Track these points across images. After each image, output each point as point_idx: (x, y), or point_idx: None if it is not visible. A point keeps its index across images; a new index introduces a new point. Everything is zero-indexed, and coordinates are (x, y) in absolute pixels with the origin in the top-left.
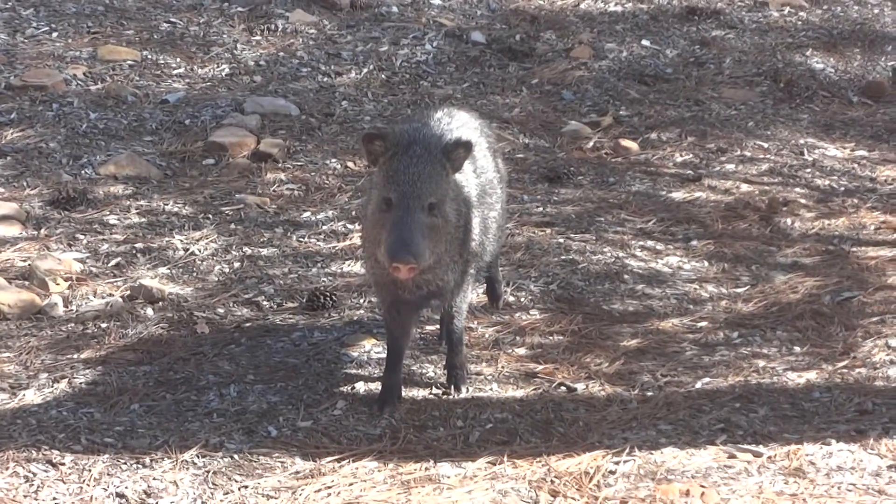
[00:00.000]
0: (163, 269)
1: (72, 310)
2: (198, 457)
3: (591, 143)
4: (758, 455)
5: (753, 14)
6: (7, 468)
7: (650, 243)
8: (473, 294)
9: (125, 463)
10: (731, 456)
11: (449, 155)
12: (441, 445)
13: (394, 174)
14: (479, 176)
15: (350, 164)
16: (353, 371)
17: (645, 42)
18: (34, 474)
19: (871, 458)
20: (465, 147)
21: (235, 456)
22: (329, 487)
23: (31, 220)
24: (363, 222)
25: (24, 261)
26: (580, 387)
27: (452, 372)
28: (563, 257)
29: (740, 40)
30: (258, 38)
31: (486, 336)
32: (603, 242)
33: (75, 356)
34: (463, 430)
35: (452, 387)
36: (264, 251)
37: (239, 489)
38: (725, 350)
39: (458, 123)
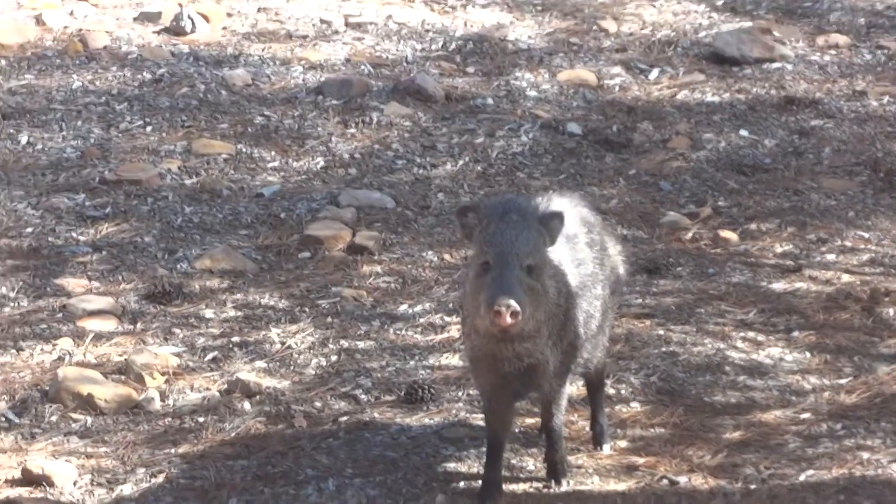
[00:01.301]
0: (259, 363)
1: (168, 404)
2: None
3: (689, 234)
4: None
5: (852, 103)
6: None
7: (751, 334)
8: (573, 387)
9: None
10: None
11: (545, 224)
12: None
13: (490, 238)
14: (579, 266)
15: (447, 256)
16: (453, 465)
17: (743, 132)
18: None
19: None
20: (559, 218)
21: None
22: None
23: (127, 314)
24: (462, 313)
25: (121, 355)
26: (682, 480)
27: (553, 466)
28: (663, 349)
29: (839, 130)
30: (353, 130)
31: (587, 429)
32: (703, 334)
33: (172, 451)
34: None
35: (553, 480)
36: (361, 344)
37: None
38: (829, 442)
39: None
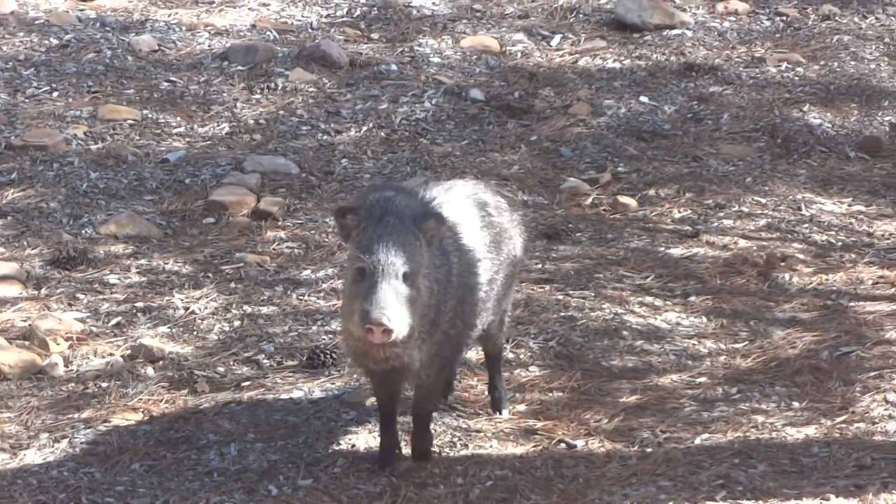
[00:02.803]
0: (163, 329)
1: (72, 370)
2: None
3: (589, 200)
4: None
5: (751, 70)
6: None
7: (649, 299)
8: (472, 351)
9: None
10: None
11: (421, 226)
12: (441, 503)
13: (366, 245)
14: (465, 254)
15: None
16: (354, 429)
17: (643, 98)
18: None
19: None
20: (436, 219)
21: None
22: None
23: (32, 279)
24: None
25: (25, 321)
26: (580, 443)
27: (417, 450)
28: (562, 314)
29: (738, 96)
30: (258, 96)
31: (486, 394)
32: (602, 299)
33: (76, 416)
34: (463, 487)
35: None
36: (264, 309)
37: None
38: (724, 406)
39: (444, 199)
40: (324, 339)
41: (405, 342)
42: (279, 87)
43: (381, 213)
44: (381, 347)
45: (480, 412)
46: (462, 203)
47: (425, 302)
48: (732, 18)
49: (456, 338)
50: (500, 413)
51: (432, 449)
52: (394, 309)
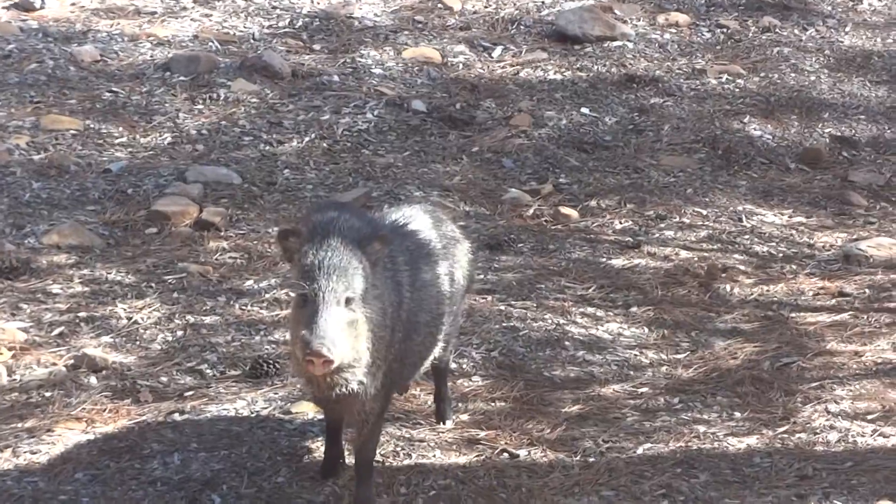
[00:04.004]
0: (106, 338)
1: (15, 379)
2: None
3: (531, 211)
4: None
5: (691, 81)
6: None
7: (590, 310)
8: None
9: None
10: None
11: (365, 249)
12: None
13: (308, 271)
14: (416, 282)
15: None
16: (297, 438)
17: (584, 110)
18: None
19: None
20: (381, 240)
21: None
22: None
23: None
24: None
25: None
26: (523, 453)
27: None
28: (504, 324)
29: (679, 108)
30: (200, 106)
31: (429, 403)
32: (544, 309)
33: (19, 425)
34: (406, 497)
35: None
36: (207, 319)
37: None
38: (666, 416)
39: (395, 221)
40: (267, 348)
41: (354, 367)
42: (221, 98)
43: (324, 236)
44: (326, 375)
45: (423, 422)
46: (421, 236)
47: (377, 323)
48: (673, 30)
49: (399, 372)
50: (445, 423)
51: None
52: (335, 338)
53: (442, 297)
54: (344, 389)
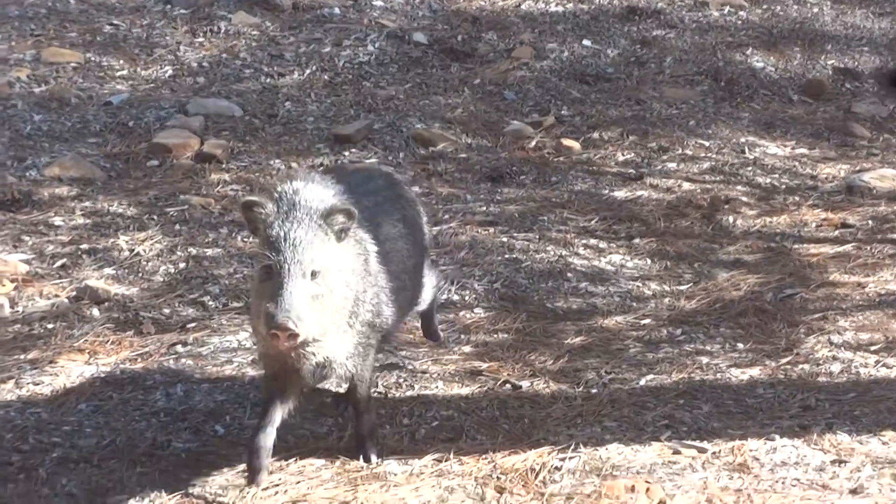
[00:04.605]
0: (108, 270)
1: (18, 311)
2: (145, 456)
3: (533, 143)
4: (702, 451)
5: (694, 13)
6: None
7: (593, 241)
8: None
9: (73, 463)
10: (676, 452)
11: (329, 221)
12: (387, 443)
13: (273, 243)
14: (382, 244)
15: (294, 164)
16: None
17: (586, 42)
18: None
19: (814, 454)
20: (346, 213)
21: (183, 455)
22: (276, 485)
23: None
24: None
25: None
26: (525, 384)
27: (361, 443)
28: (506, 256)
29: (681, 40)
30: (201, 39)
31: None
32: (546, 241)
33: (22, 357)
34: (409, 427)
35: (362, 457)
36: (209, 251)
37: (186, 487)
38: (669, 347)
39: (351, 187)
40: None
41: (320, 340)
42: (222, 31)
43: (289, 208)
44: (295, 348)
45: (426, 353)
46: (379, 196)
47: (341, 294)
48: None
49: (381, 325)
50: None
51: (377, 441)
52: (300, 310)
53: (403, 255)
54: (316, 358)
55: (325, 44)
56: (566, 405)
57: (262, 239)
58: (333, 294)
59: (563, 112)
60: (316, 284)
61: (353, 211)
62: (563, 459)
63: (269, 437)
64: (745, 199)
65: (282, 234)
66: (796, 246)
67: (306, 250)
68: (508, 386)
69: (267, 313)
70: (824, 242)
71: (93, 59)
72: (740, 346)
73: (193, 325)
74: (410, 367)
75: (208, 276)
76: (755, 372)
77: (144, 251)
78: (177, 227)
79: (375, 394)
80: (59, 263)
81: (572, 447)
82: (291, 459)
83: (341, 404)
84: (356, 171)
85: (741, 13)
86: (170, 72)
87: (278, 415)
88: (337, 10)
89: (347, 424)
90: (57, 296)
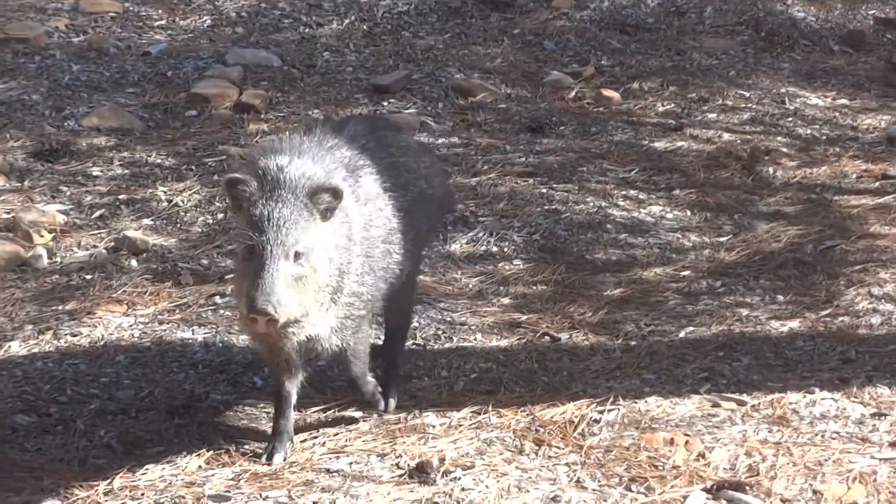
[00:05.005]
0: (146, 221)
1: (56, 261)
2: (183, 408)
3: (572, 93)
4: (741, 403)
5: None
6: None
7: (633, 193)
8: (457, 244)
9: (111, 414)
10: (715, 405)
11: (315, 200)
12: (426, 395)
13: (256, 222)
14: (364, 204)
15: (333, 115)
16: None
17: None
18: (20, 425)
19: (854, 407)
20: (331, 192)
21: (221, 406)
22: (315, 437)
23: (15, 172)
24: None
25: (8, 213)
26: (564, 336)
27: (367, 399)
28: (545, 207)
29: None
30: None
31: (471, 286)
32: (585, 192)
33: (60, 308)
34: (448, 379)
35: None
36: None
37: (224, 439)
38: (709, 299)
39: (348, 157)
40: None
41: (301, 321)
42: None
43: (273, 186)
44: (277, 329)
45: (465, 305)
46: (353, 146)
47: (325, 273)
48: None
49: (368, 294)
50: (387, 407)
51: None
52: (281, 294)
53: (390, 211)
54: (293, 343)
55: None
56: (605, 357)
57: (246, 218)
58: (317, 273)
59: (602, 62)
60: (299, 266)
61: (339, 189)
62: (601, 412)
63: (287, 422)
64: (785, 149)
65: (265, 213)
66: (836, 197)
67: (290, 231)
68: (547, 338)
69: (248, 296)
70: (865, 194)
71: (131, 8)
72: (780, 298)
73: (231, 276)
74: (449, 318)
75: None
76: (795, 324)
77: (183, 202)
78: (215, 177)
79: (414, 346)
80: (97, 214)
81: (611, 400)
82: (330, 411)
83: (378, 357)
84: (351, 123)
85: None
86: (208, 21)
87: (293, 391)
88: None
89: (385, 377)
90: (95, 246)
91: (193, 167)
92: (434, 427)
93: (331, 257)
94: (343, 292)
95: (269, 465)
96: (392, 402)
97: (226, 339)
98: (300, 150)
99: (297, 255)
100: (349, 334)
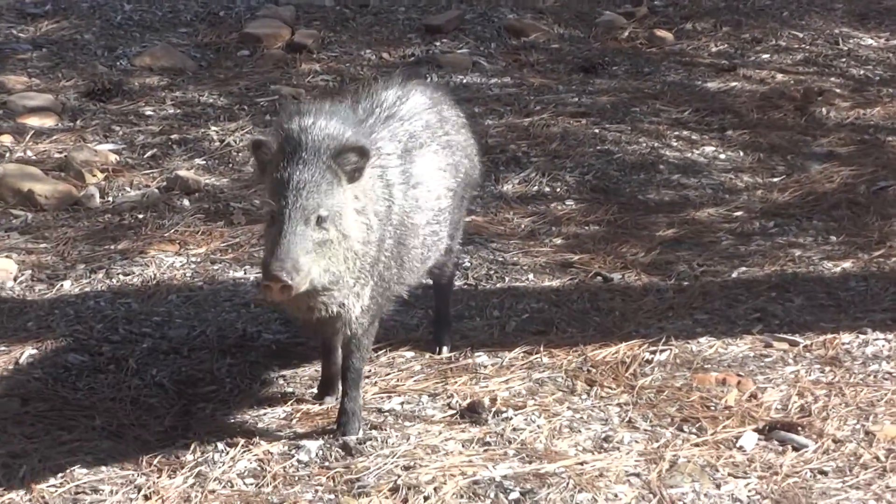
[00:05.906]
0: (198, 160)
1: (108, 201)
2: (235, 347)
3: (625, 34)
4: (794, 344)
5: None
6: (46, 358)
7: (685, 133)
8: (509, 185)
9: (163, 353)
10: (768, 345)
11: (340, 161)
12: (477, 335)
13: (276, 187)
14: (414, 186)
15: (385, 55)
16: None
17: None
18: (73, 364)
19: None
20: (358, 152)
21: (273, 346)
22: (367, 377)
23: (67, 111)
24: None
25: (61, 152)
26: (616, 277)
27: (342, 415)
28: (598, 147)
29: None
30: None
31: (522, 226)
32: (638, 133)
33: (112, 247)
34: (499, 320)
35: (339, 432)
36: None
37: (276, 378)
38: (761, 240)
39: (393, 119)
40: None
41: (331, 290)
42: None
43: (295, 148)
44: (304, 298)
45: (517, 245)
46: (415, 121)
47: (358, 239)
48: None
49: (390, 281)
50: (441, 351)
51: (359, 422)
52: (297, 261)
53: (442, 191)
54: (324, 313)
55: None
56: (657, 298)
57: (268, 182)
58: (348, 239)
59: (655, 2)
60: (323, 230)
61: (366, 148)
62: (653, 352)
63: (335, 366)
64: (838, 90)
65: (285, 176)
66: (890, 138)
67: (311, 194)
68: (599, 278)
69: (262, 263)
70: None
71: None
72: (833, 238)
73: None
74: (501, 259)
75: None
76: (847, 265)
77: (235, 141)
78: (267, 117)
79: (465, 286)
80: (149, 153)
81: (663, 340)
82: (381, 351)
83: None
84: (415, 93)
85: None
86: None
87: (338, 344)
88: None
89: (436, 325)
90: (147, 186)
91: (245, 107)
92: (486, 367)
93: (368, 224)
94: (375, 273)
95: (320, 404)
96: (445, 350)
97: None
98: (327, 110)
99: (321, 220)
100: (367, 321)
